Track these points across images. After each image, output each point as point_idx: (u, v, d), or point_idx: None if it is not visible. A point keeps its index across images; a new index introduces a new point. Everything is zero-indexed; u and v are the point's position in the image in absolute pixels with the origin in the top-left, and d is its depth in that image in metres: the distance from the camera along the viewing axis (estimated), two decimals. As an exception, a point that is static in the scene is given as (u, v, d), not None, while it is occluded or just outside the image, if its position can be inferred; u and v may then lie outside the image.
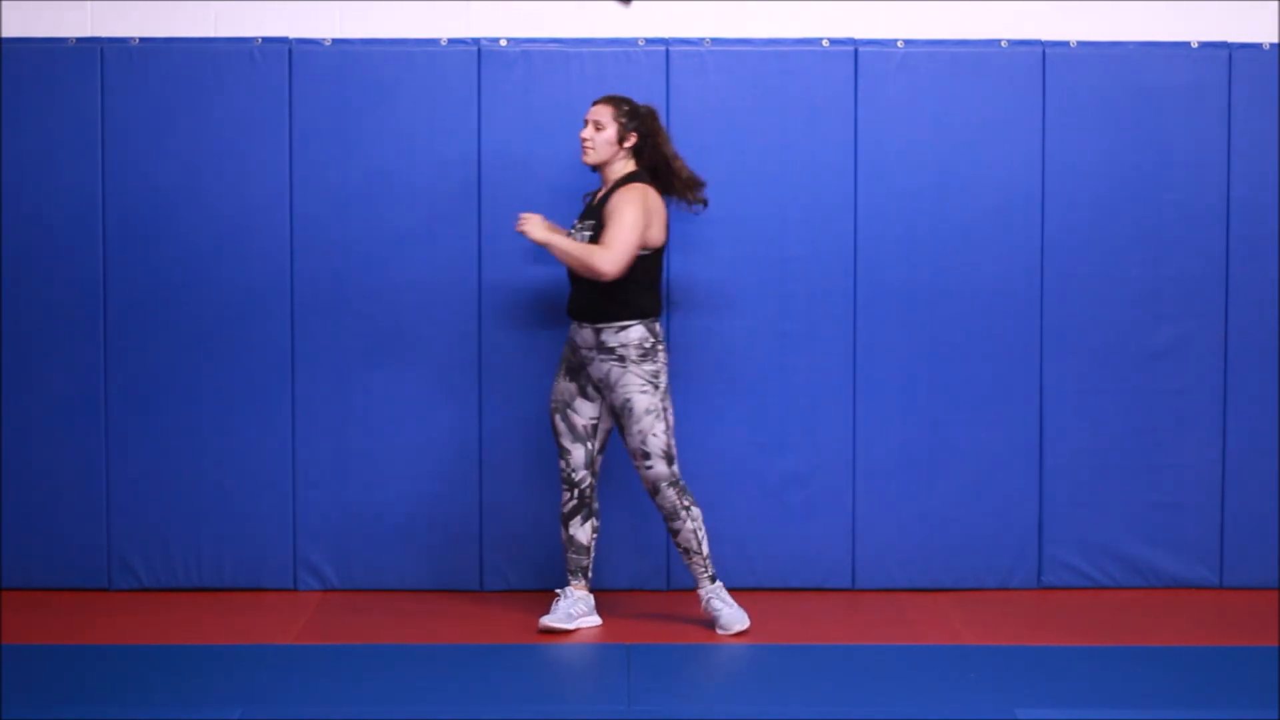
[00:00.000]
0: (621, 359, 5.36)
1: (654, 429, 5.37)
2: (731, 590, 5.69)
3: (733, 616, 5.46)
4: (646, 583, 6.04)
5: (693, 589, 5.75)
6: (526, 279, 5.95)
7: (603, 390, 5.43)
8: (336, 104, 5.92)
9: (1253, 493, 6.06)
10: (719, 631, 5.46)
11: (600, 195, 5.45)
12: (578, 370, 5.47)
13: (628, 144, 5.41)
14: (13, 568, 5.99)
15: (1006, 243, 5.99)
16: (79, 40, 5.93)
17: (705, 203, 5.49)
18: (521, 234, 5.38)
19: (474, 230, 5.95)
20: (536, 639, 5.41)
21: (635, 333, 5.36)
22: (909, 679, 4.89)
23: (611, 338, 5.36)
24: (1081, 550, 6.07)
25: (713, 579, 5.51)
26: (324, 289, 5.96)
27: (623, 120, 5.40)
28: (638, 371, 5.36)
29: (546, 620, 5.47)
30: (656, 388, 5.38)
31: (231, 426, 5.97)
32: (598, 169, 5.46)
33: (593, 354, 5.39)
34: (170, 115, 5.92)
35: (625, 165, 5.44)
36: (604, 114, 5.40)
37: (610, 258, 5.27)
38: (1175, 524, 6.07)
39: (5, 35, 5.96)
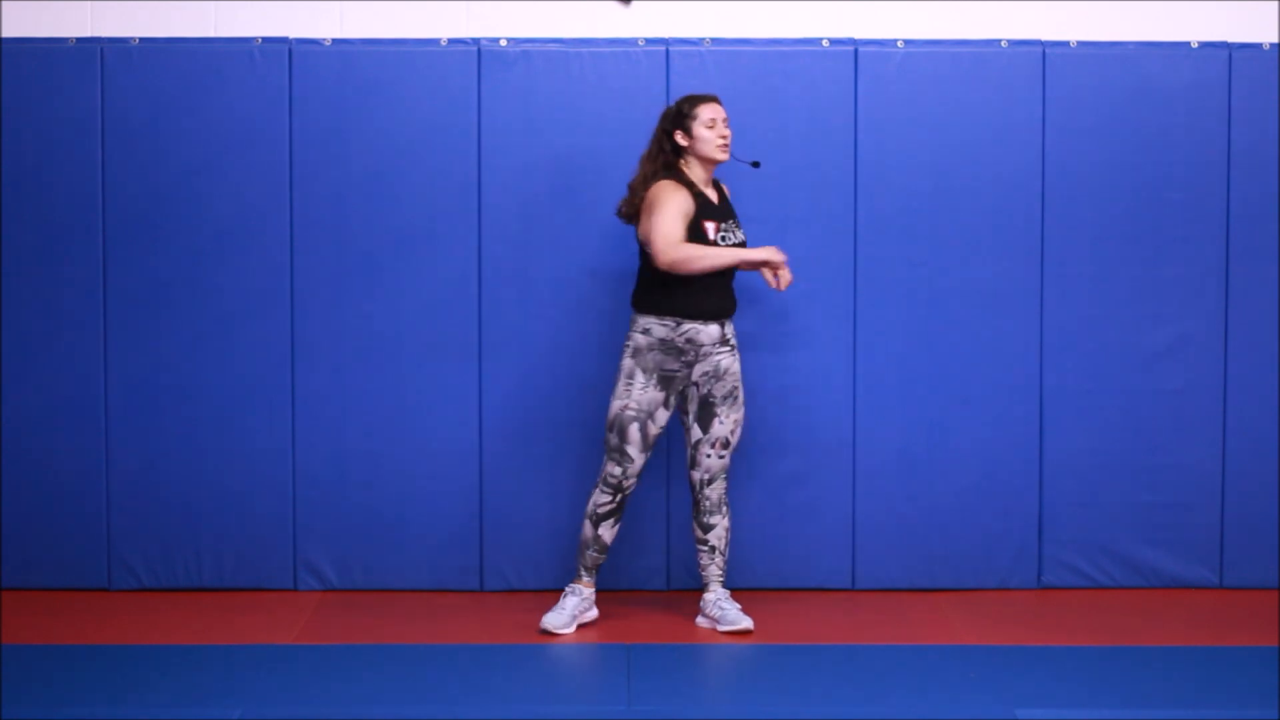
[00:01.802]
0: (733, 348, 5.49)
1: (742, 421, 5.53)
2: (732, 590, 5.70)
3: (739, 615, 5.47)
4: (646, 583, 6.04)
5: (694, 589, 5.76)
6: (527, 279, 5.94)
7: (699, 384, 5.44)
8: (336, 104, 5.92)
9: (1253, 493, 6.06)
10: (722, 629, 5.45)
11: (715, 193, 5.48)
12: (672, 378, 5.43)
13: None
14: (13, 568, 5.99)
15: (1006, 243, 6.00)
16: (79, 40, 5.93)
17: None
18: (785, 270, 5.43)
19: (474, 230, 5.95)
20: (536, 639, 5.41)
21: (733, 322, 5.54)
22: (909, 679, 4.90)
23: (729, 330, 5.49)
24: (1081, 550, 6.07)
25: (723, 584, 5.56)
26: (324, 289, 5.96)
27: None
28: (739, 360, 5.52)
29: (549, 623, 5.45)
30: None
31: (231, 426, 5.97)
32: (706, 167, 5.46)
33: (713, 349, 5.43)
34: (170, 115, 5.92)
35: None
36: (726, 113, 5.47)
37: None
38: (1175, 524, 6.07)
39: (5, 35, 5.96)
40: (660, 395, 5.42)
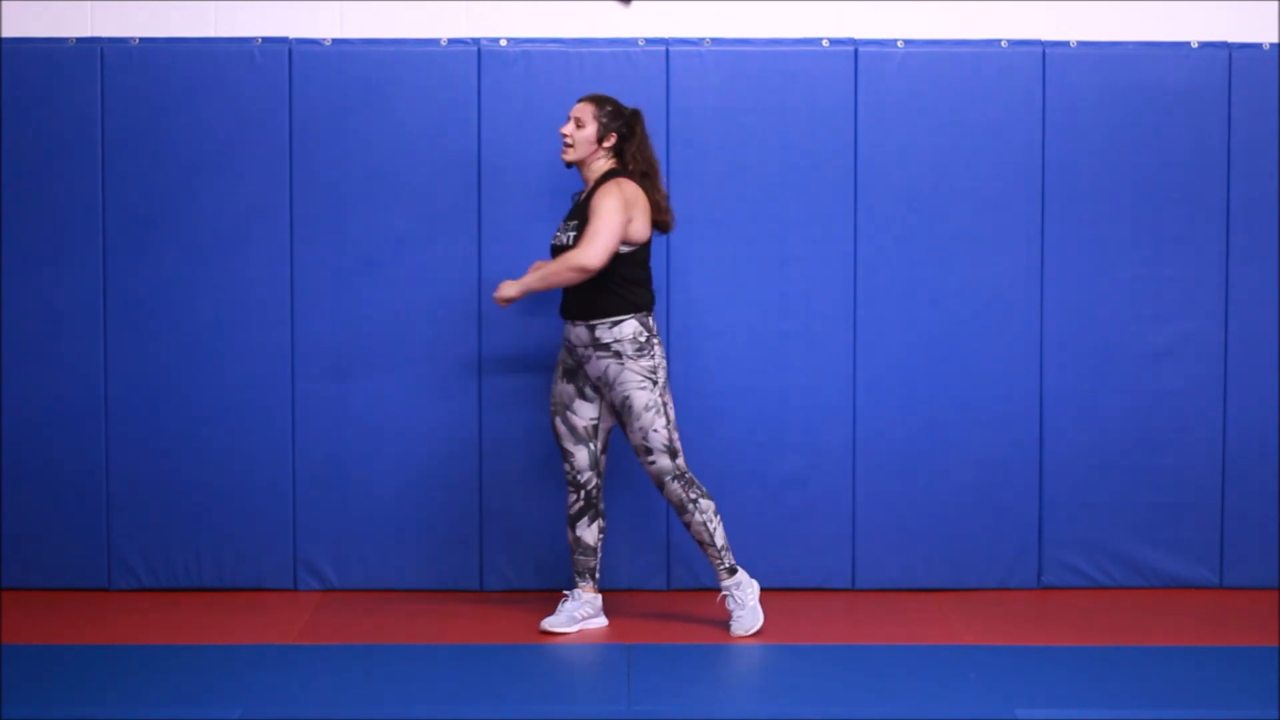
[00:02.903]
0: (618, 355, 5.35)
1: (654, 425, 5.36)
2: (731, 590, 5.70)
3: (742, 621, 5.44)
4: (646, 583, 6.04)
5: (694, 589, 5.76)
6: (526, 279, 5.95)
7: (601, 389, 5.42)
8: (336, 104, 5.92)
9: (1253, 493, 6.06)
10: (731, 629, 5.44)
11: (584, 194, 5.44)
12: (575, 371, 5.46)
13: (607, 143, 5.38)
14: (13, 568, 5.99)
15: (1006, 243, 6.00)
16: (79, 40, 5.93)
17: (667, 229, 5.49)
18: (502, 302, 5.40)
19: (474, 230, 5.95)
20: (537, 639, 5.41)
21: (629, 327, 5.35)
22: (909, 679, 4.89)
23: (605, 334, 5.35)
24: (1081, 550, 6.07)
25: (731, 570, 5.46)
26: (324, 289, 5.95)
27: (603, 120, 5.38)
28: (634, 368, 5.35)
29: (548, 623, 5.46)
30: (655, 383, 5.37)
31: (231, 426, 5.97)
32: (575, 166, 5.43)
33: (589, 351, 5.38)
34: (170, 115, 5.92)
35: (604, 164, 5.40)
36: (585, 112, 5.39)
37: (590, 251, 5.25)
38: (1175, 524, 6.07)
39: (5, 35, 5.96)
40: (570, 388, 5.45)
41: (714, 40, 5.98)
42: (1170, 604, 5.91)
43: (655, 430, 5.37)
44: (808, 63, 5.95)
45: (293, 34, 6.00)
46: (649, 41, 5.97)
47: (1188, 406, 6.04)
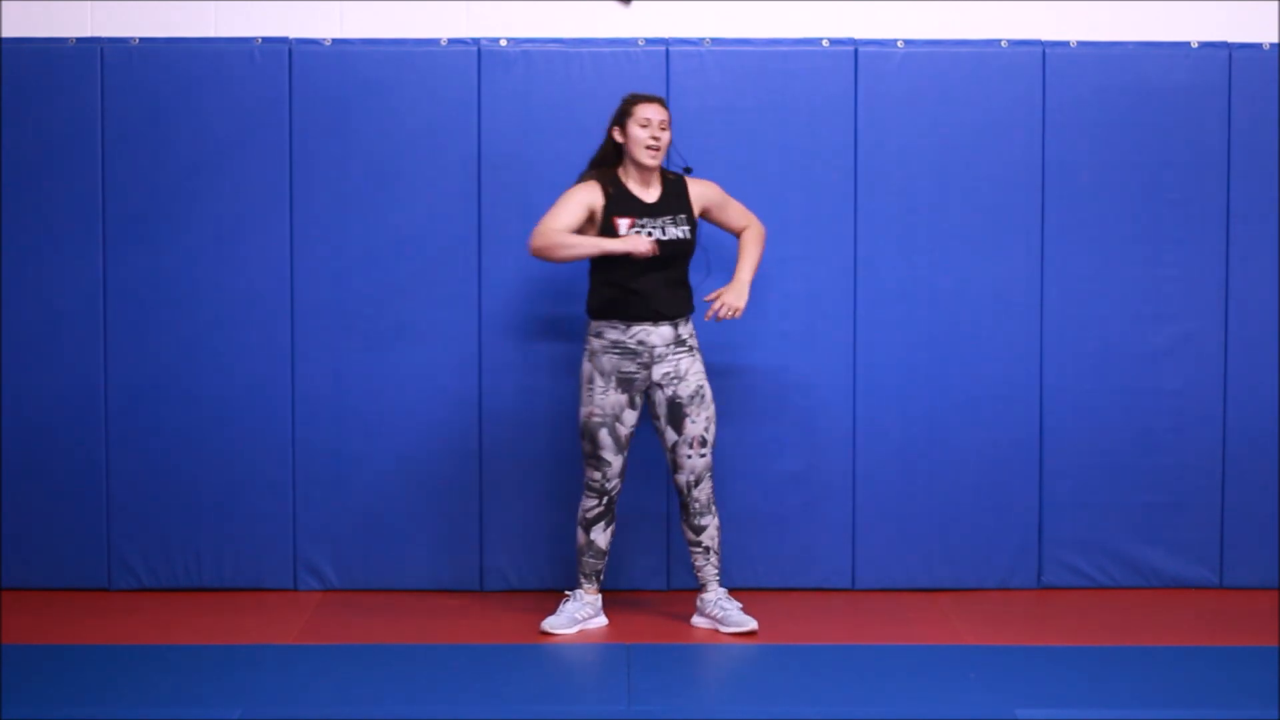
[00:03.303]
0: (691, 349, 5.45)
1: (714, 418, 5.48)
2: (731, 590, 5.70)
3: (743, 616, 5.46)
4: (646, 583, 6.04)
5: (694, 589, 5.76)
6: (527, 279, 5.94)
7: (662, 386, 5.42)
8: (336, 104, 5.92)
9: (1253, 493, 6.06)
10: (726, 630, 5.45)
11: (655, 192, 5.42)
12: (632, 380, 5.42)
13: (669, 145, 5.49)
14: (13, 568, 5.99)
15: (1006, 243, 6.00)
16: (79, 40, 5.93)
17: None
18: (738, 314, 5.43)
19: (474, 230, 5.95)
20: (536, 639, 5.41)
21: (692, 322, 5.50)
22: (909, 679, 4.89)
23: (684, 330, 5.45)
24: (1081, 550, 6.07)
25: (720, 582, 5.55)
26: (324, 289, 5.96)
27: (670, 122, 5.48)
28: (700, 360, 5.49)
29: (549, 624, 5.46)
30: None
31: (231, 426, 5.97)
32: (643, 168, 5.42)
33: (667, 350, 5.41)
34: (170, 115, 5.92)
35: None
36: (667, 116, 5.43)
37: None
38: (1175, 524, 6.07)
39: (5, 35, 5.96)
40: (623, 397, 5.42)
41: (714, 40, 5.98)
42: (1170, 604, 5.91)
43: (713, 423, 5.47)
44: (808, 63, 5.95)
45: (293, 34, 6.00)
46: (649, 41, 5.97)
47: (1188, 406, 6.04)
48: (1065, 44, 5.99)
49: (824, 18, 6.08)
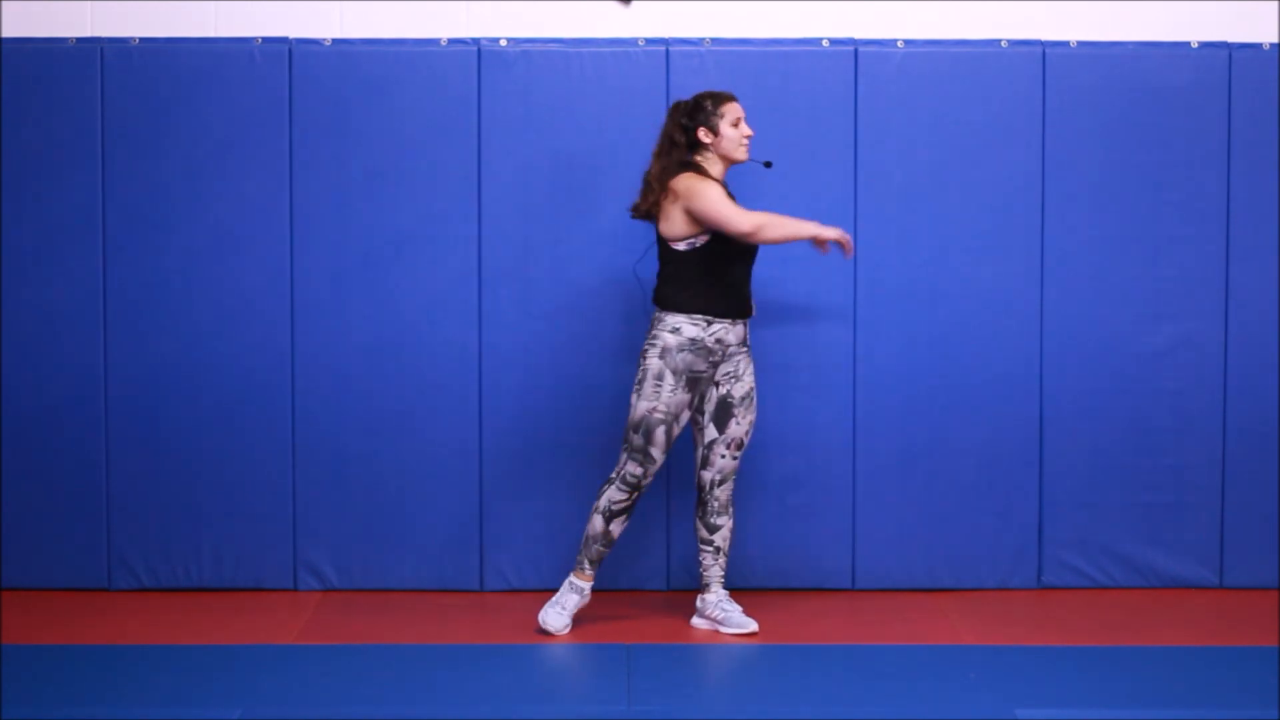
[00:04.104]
0: (749, 349, 5.49)
1: (755, 422, 5.51)
2: (732, 591, 5.70)
3: (744, 617, 5.46)
4: (646, 583, 6.04)
5: (694, 589, 5.76)
6: (527, 278, 5.94)
7: (719, 384, 5.42)
8: (336, 104, 5.92)
9: (1253, 493, 6.06)
10: (727, 631, 5.45)
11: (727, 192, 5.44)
12: (699, 379, 5.38)
13: None
14: (13, 568, 5.99)
15: (1006, 243, 6.00)
16: (79, 40, 5.93)
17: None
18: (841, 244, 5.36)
19: (474, 230, 5.95)
20: (536, 639, 5.41)
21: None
22: (909, 679, 4.89)
23: (747, 330, 5.48)
24: (1081, 550, 6.07)
25: (724, 584, 5.56)
26: (324, 289, 5.96)
27: None
28: (752, 361, 5.51)
29: (550, 626, 5.44)
30: None
31: (231, 426, 5.97)
32: (724, 165, 5.43)
33: (738, 349, 5.44)
34: (170, 115, 5.92)
35: None
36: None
37: None
38: (1175, 524, 6.07)
39: (5, 35, 5.96)
40: (687, 398, 5.38)
41: (714, 40, 5.98)
42: (1170, 604, 5.91)
43: (753, 428, 5.50)
44: (808, 63, 5.95)
45: (293, 34, 6.00)
46: (649, 41, 5.97)
47: (1188, 406, 6.04)
48: (1065, 44, 5.99)
49: (824, 18, 6.08)
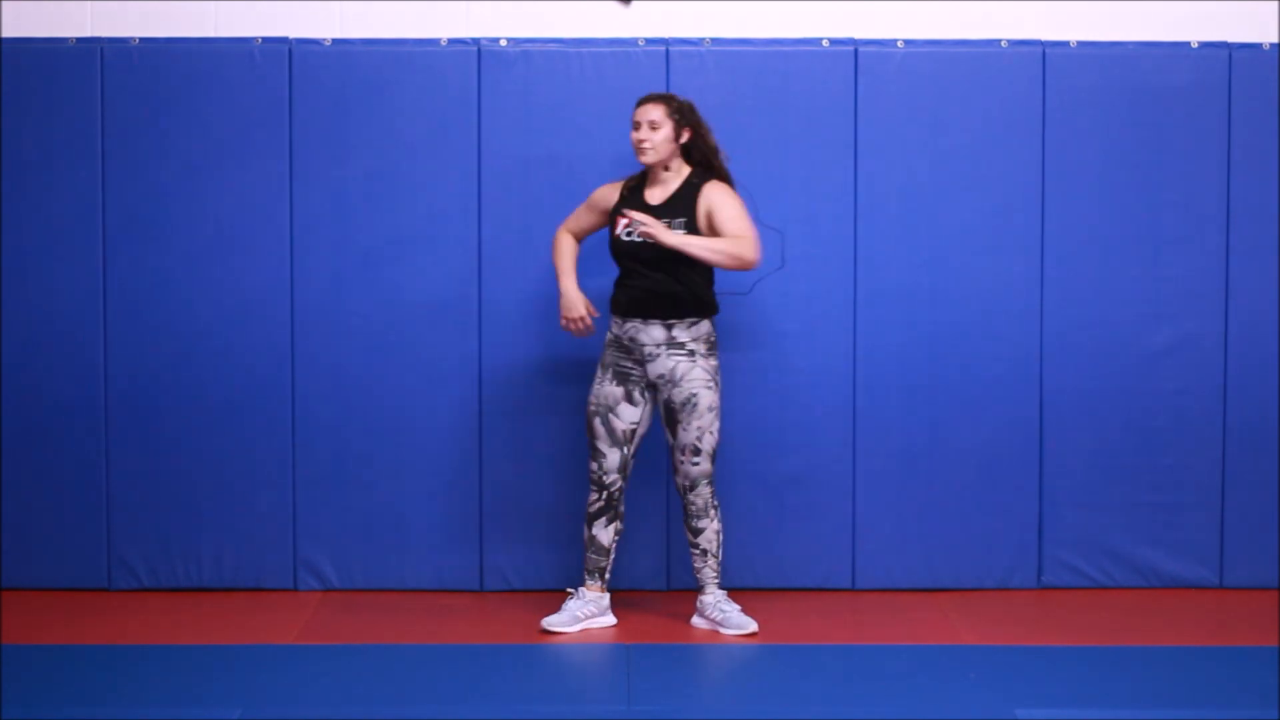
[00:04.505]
0: (691, 354, 5.39)
1: (712, 427, 5.42)
2: (731, 591, 5.70)
3: (743, 618, 5.46)
4: (646, 583, 6.04)
5: (694, 589, 5.76)
6: (527, 279, 5.94)
7: (660, 387, 5.42)
8: (336, 104, 5.92)
9: (1253, 493, 6.06)
10: (726, 632, 5.45)
11: (666, 191, 5.42)
12: (628, 374, 5.44)
13: (683, 139, 5.42)
14: (13, 568, 5.99)
15: (1006, 243, 6.00)
16: (79, 40, 5.93)
17: None
18: (645, 236, 5.28)
19: (474, 230, 5.95)
20: (537, 639, 5.41)
21: (704, 328, 5.42)
22: (909, 679, 4.89)
23: (683, 333, 5.39)
24: (1081, 550, 6.07)
25: (720, 584, 5.55)
26: (324, 289, 5.96)
27: (675, 117, 5.41)
28: (704, 366, 5.41)
29: (549, 622, 5.46)
30: (717, 385, 5.43)
31: (231, 426, 5.97)
32: (652, 168, 5.43)
33: (659, 350, 5.39)
34: (170, 115, 5.92)
35: (680, 162, 5.45)
36: (657, 113, 5.39)
37: (754, 249, 5.35)
38: (1175, 524, 6.07)
39: (5, 35, 5.96)
40: (618, 390, 5.43)
41: (714, 40, 5.98)
42: (1170, 604, 5.91)
43: (711, 433, 5.42)
44: (808, 63, 5.95)
45: (293, 34, 6.00)
46: (649, 41, 5.97)
47: (1188, 406, 6.04)
48: (1065, 44, 5.99)
49: (824, 18, 6.08)
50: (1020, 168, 5.98)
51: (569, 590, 5.60)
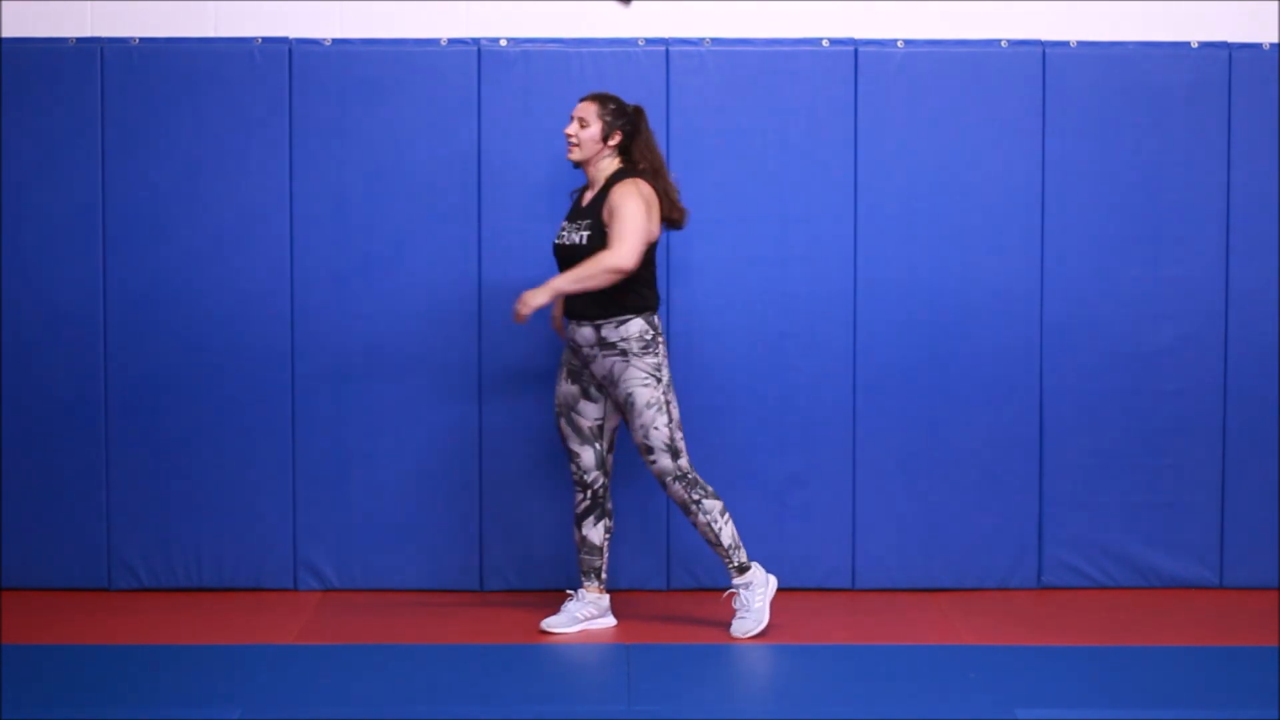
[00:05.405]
0: (624, 353, 5.35)
1: (655, 423, 5.35)
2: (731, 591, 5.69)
3: (743, 624, 5.42)
4: (646, 583, 6.04)
5: (694, 589, 5.76)
6: (526, 278, 5.92)
7: (606, 388, 5.42)
8: (336, 104, 5.92)
9: (1253, 493, 6.06)
10: (729, 632, 5.44)
11: (592, 194, 5.42)
12: (579, 372, 5.45)
13: (612, 142, 5.37)
14: (13, 568, 5.99)
15: (1006, 243, 6.00)
16: (79, 40, 5.93)
17: (680, 225, 5.47)
18: (527, 311, 5.29)
19: (474, 230, 5.95)
20: (537, 639, 5.41)
21: (635, 326, 5.35)
22: (909, 679, 4.89)
23: (612, 333, 5.35)
24: (1081, 550, 6.07)
25: (741, 569, 5.44)
26: (324, 289, 5.96)
27: (607, 118, 5.37)
28: (639, 365, 5.35)
29: (548, 623, 5.46)
30: (659, 380, 5.37)
31: (231, 426, 5.97)
32: (581, 166, 5.43)
33: (594, 351, 5.38)
34: (170, 115, 5.92)
35: (611, 163, 5.40)
36: (589, 111, 5.37)
37: (623, 252, 5.24)
38: (1175, 524, 6.07)
39: (5, 35, 5.96)
40: (574, 389, 5.46)
41: (714, 40, 5.98)
42: (1170, 604, 5.91)
43: (656, 428, 5.36)
44: (808, 63, 5.95)
45: (293, 34, 6.00)
46: (649, 41, 5.97)
47: (1188, 406, 6.04)
48: (1065, 44, 5.99)
49: (824, 18, 6.08)
50: (1020, 168, 5.98)
51: (569, 591, 5.60)
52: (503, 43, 5.95)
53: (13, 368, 5.95)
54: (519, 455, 6.00)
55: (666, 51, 5.95)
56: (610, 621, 5.54)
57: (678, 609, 5.77)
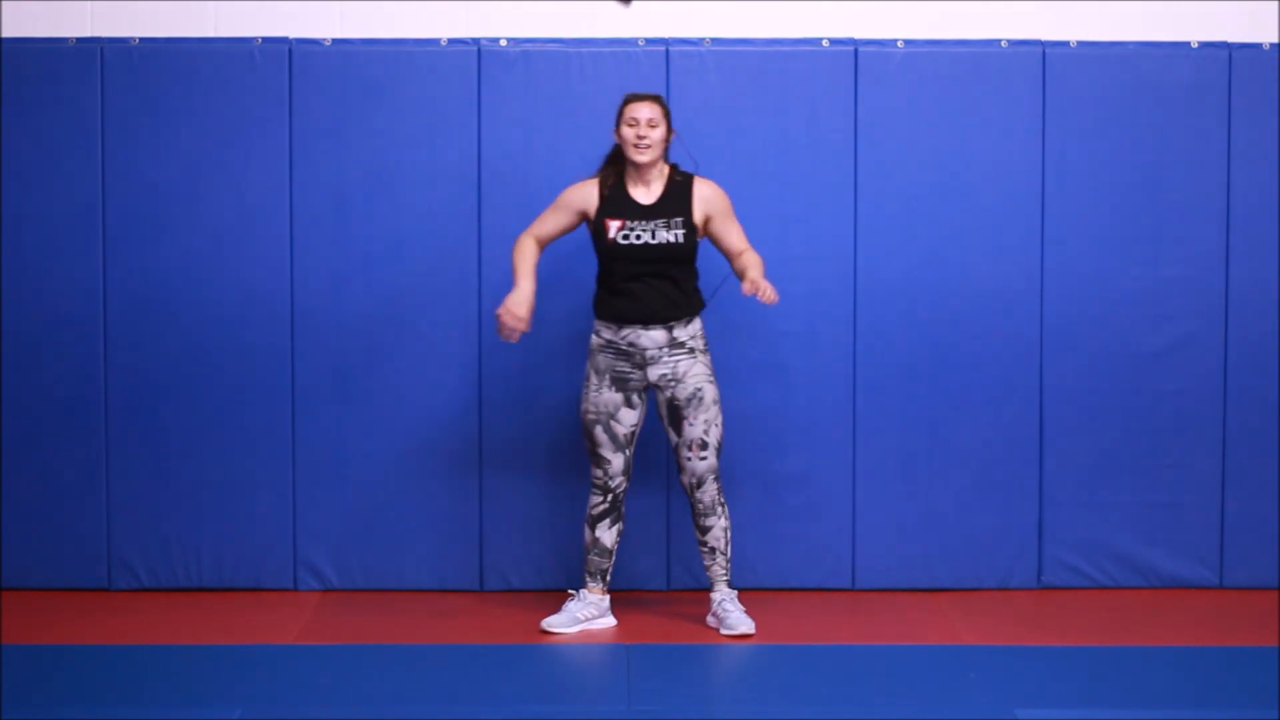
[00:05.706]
0: (691, 351, 5.42)
1: (717, 420, 5.44)
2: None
3: (741, 617, 5.46)
4: (646, 583, 6.04)
5: (693, 589, 5.76)
6: (526, 279, 5.94)
7: (661, 388, 5.42)
8: (336, 104, 5.92)
9: (1253, 493, 6.06)
10: (723, 631, 5.45)
11: (657, 191, 5.40)
12: (626, 379, 5.43)
13: (670, 139, 5.45)
14: (13, 568, 5.99)
15: (1006, 243, 6.00)
16: (79, 40, 5.93)
17: None
18: (772, 301, 5.30)
19: (474, 230, 5.95)
20: (537, 639, 5.41)
21: (698, 325, 5.46)
22: (909, 679, 4.89)
23: (683, 332, 5.41)
24: (1081, 550, 6.07)
25: (730, 584, 5.54)
26: (323, 289, 5.96)
27: (668, 117, 5.43)
28: (705, 362, 5.44)
29: (549, 623, 5.46)
30: (716, 380, 5.46)
31: (231, 426, 5.97)
32: (641, 167, 5.40)
33: (661, 352, 5.39)
34: (170, 115, 5.92)
35: (663, 162, 5.46)
36: (658, 112, 5.39)
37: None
38: (1175, 524, 6.07)
39: (5, 35, 5.96)
40: (618, 396, 5.43)
41: (714, 40, 5.98)
42: (1170, 604, 5.91)
43: (717, 425, 5.43)
44: (808, 63, 5.95)
45: (293, 34, 6.00)
46: (649, 41, 5.97)
47: (1188, 406, 6.04)
48: (1065, 44, 5.99)
49: (824, 18, 6.08)
50: (1020, 168, 5.98)
51: (570, 591, 5.60)
52: (503, 43, 5.95)
53: (13, 368, 5.95)
54: (519, 455, 6.00)
55: (666, 51, 5.95)
56: (610, 622, 5.55)
57: (678, 609, 5.77)
